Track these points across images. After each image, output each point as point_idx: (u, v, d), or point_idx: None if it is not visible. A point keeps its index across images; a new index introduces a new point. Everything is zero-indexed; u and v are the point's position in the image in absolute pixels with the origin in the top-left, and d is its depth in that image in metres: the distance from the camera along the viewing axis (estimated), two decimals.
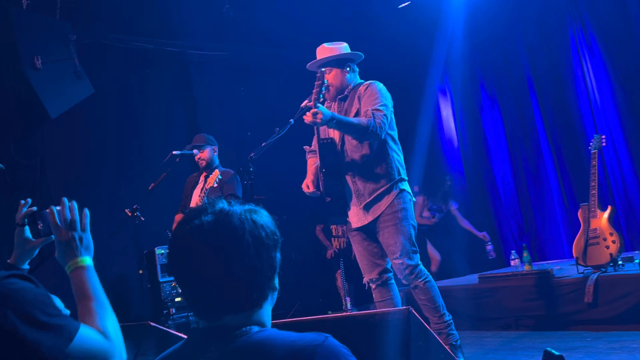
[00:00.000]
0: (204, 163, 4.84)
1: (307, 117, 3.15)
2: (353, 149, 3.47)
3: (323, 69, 3.35)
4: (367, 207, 3.45)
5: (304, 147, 3.87)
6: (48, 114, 5.03)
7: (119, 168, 5.91)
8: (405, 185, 3.52)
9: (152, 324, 2.60)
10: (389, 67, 6.99)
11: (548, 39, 6.47)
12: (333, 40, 3.67)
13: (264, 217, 1.16)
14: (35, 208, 1.66)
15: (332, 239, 6.63)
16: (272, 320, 1.30)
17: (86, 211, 1.56)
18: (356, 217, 3.52)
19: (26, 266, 1.67)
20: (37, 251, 1.67)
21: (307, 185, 3.58)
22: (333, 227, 6.54)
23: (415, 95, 7.38)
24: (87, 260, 1.50)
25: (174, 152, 4.87)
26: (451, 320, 3.48)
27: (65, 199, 1.54)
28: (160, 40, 6.40)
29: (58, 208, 1.55)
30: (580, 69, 6.16)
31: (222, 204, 1.14)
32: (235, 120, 6.78)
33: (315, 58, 3.58)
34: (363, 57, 3.64)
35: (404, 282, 3.46)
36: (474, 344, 4.17)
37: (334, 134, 3.57)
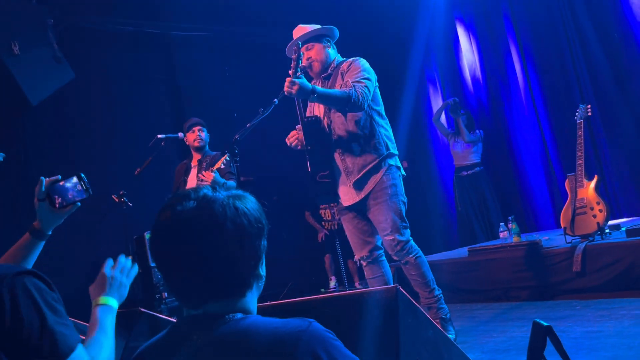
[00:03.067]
0: (203, 144, 4.76)
1: (285, 87, 3.14)
2: (340, 125, 3.44)
3: (300, 42, 3.31)
4: (356, 185, 3.44)
5: (297, 126, 3.85)
6: (29, 100, 4.96)
7: (103, 153, 5.85)
8: (395, 160, 3.52)
9: (142, 309, 2.59)
10: (371, 37, 6.95)
11: (532, 4, 6.43)
12: (317, 18, 3.64)
13: (248, 203, 1.12)
14: (59, 176, 1.72)
15: (323, 222, 6.65)
16: (264, 300, 1.29)
17: (135, 266, 1.77)
18: (346, 195, 3.51)
19: (49, 232, 1.72)
20: (62, 220, 1.73)
21: (289, 138, 3.55)
22: (322, 211, 6.56)
23: (400, 74, 7.32)
24: (110, 300, 1.58)
25: (159, 136, 4.83)
26: (441, 295, 3.51)
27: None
28: (140, 21, 6.29)
29: (72, 179, 1.71)
30: (565, 37, 6.13)
31: (206, 190, 1.11)
32: (220, 101, 6.71)
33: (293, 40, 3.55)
34: (338, 33, 3.62)
35: (395, 257, 3.48)
36: (464, 317, 4.21)
37: (320, 112, 3.55)
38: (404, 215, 3.43)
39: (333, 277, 6.42)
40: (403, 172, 3.56)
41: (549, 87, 6.38)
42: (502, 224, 5.33)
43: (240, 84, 6.88)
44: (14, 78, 4.81)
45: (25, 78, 4.93)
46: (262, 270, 1.16)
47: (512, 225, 4.97)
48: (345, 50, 3.72)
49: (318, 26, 3.59)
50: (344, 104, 3.25)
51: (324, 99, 3.27)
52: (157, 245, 1.11)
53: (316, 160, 3.46)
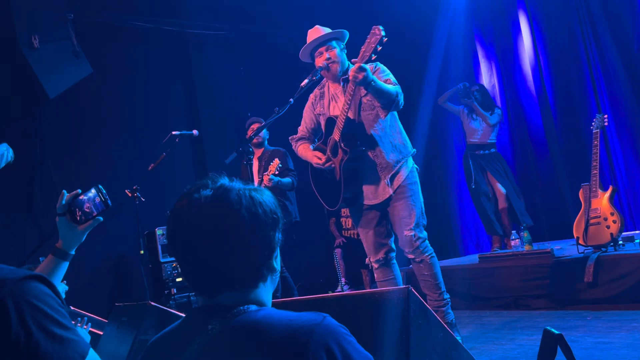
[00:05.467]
0: (261, 140, 5.14)
1: (352, 71, 3.21)
2: (371, 124, 3.49)
3: (380, 27, 3.25)
4: (391, 179, 3.50)
5: (289, 137, 3.87)
6: (47, 93, 5.01)
7: (118, 148, 5.89)
8: (413, 161, 3.64)
9: (152, 303, 2.61)
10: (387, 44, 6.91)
11: (551, 16, 6.40)
12: (332, 20, 3.65)
13: (264, 195, 1.14)
14: (79, 190, 1.70)
15: (343, 231, 6.66)
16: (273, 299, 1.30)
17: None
18: (375, 192, 3.52)
19: (72, 252, 1.69)
20: (84, 236, 1.70)
21: (319, 157, 3.57)
22: (343, 219, 6.60)
23: (417, 85, 7.27)
24: None
25: (174, 133, 4.86)
26: (449, 300, 3.51)
27: None
28: (158, 19, 6.33)
29: (90, 192, 1.67)
30: (583, 47, 6.09)
31: (224, 180, 1.13)
32: (234, 100, 6.74)
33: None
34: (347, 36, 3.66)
35: (410, 256, 3.49)
36: (473, 324, 4.19)
37: (350, 113, 3.51)
38: (424, 214, 3.53)
39: (343, 279, 6.41)
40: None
41: (566, 96, 6.34)
42: (513, 231, 5.30)
43: (255, 84, 6.91)
44: (33, 71, 4.86)
45: (43, 71, 4.98)
46: (276, 264, 1.16)
47: (524, 234, 4.94)
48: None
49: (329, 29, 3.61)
50: (392, 99, 3.36)
51: (378, 91, 3.33)
52: (173, 232, 1.12)
53: (349, 157, 3.46)
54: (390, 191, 3.48)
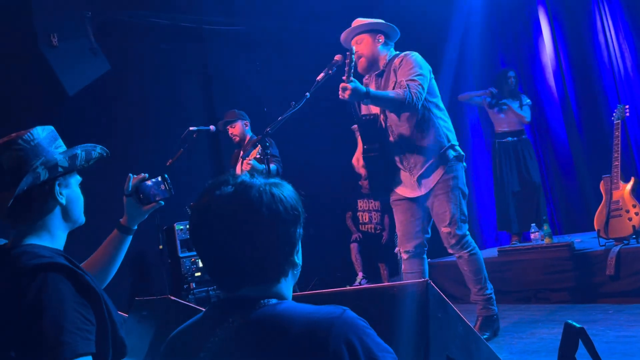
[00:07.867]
0: (237, 138, 5.01)
1: (339, 92, 3.12)
2: (397, 122, 3.42)
3: (353, 49, 3.24)
4: (420, 179, 3.42)
5: (352, 127, 3.88)
6: (66, 91, 5.07)
7: (136, 144, 5.93)
8: (457, 151, 3.48)
9: (172, 298, 2.62)
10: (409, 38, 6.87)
11: (571, 8, 6.31)
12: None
13: (285, 191, 1.14)
14: (147, 175, 1.86)
15: (360, 225, 6.64)
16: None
17: None
18: (408, 188, 3.48)
19: (135, 227, 1.87)
20: (146, 216, 1.88)
21: (357, 159, 3.61)
22: (360, 214, 6.58)
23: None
24: None
25: (191, 128, 4.89)
26: (491, 294, 3.50)
27: None
28: (175, 15, 6.35)
29: (157, 179, 1.85)
30: (604, 37, 6.00)
31: (245, 177, 1.13)
32: (251, 95, 6.75)
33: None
34: (399, 33, 3.55)
35: (450, 251, 3.47)
36: None
37: (376, 110, 3.52)
38: (464, 208, 3.43)
39: (360, 273, 6.41)
40: (464, 163, 3.52)
41: (586, 86, 6.25)
42: (533, 225, 5.24)
43: (271, 79, 6.90)
44: (52, 69, 4.93)
45: (62, 69, 5.04)
46: (298, 259, 1.16)
47: (544, 227, 4.89)
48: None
49: (379, 20, 3.53)
50: (399, 105, 3.24)
51: (378, 101, 3.27)
52: (195, 228, 1.13)
53: (372, 159, 3.44)
54: (424, 191, 3.42)
